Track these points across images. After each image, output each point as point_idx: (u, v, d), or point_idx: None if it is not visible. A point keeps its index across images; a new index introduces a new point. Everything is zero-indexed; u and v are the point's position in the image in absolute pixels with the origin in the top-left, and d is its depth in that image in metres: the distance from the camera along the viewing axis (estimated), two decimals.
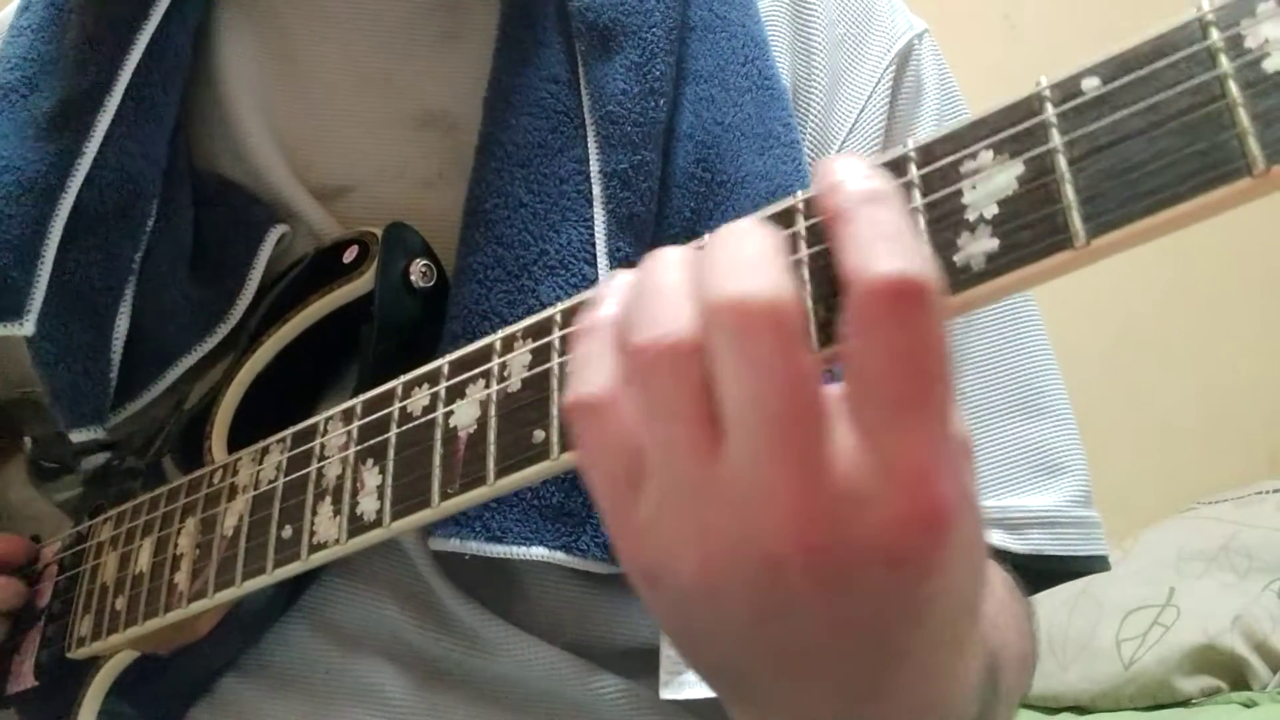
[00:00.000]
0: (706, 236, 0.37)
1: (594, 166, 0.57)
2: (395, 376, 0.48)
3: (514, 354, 0.43)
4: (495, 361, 0.43)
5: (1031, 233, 0.32)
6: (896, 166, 0.36)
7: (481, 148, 0.58)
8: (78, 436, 0.60)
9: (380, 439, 0.47)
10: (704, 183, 0.59)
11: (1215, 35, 0.30)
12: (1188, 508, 1.78)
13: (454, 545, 0.53)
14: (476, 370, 0.44)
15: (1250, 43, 0.29)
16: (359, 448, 0.48)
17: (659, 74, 0.59)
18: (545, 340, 0.42)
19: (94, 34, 0.61)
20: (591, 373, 0.36)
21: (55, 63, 0.62)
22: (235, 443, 0.58)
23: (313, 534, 0.48)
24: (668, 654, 0.55)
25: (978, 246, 0.33)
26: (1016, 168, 0.33)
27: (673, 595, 0.36)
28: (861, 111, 0.65)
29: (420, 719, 0.57)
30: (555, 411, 0.40)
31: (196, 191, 0.62)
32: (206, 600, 0.52)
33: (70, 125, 0.60)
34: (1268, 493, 1.71)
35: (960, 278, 0.33)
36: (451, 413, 0.44)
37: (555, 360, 0.41)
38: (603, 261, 0.55)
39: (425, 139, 0.62)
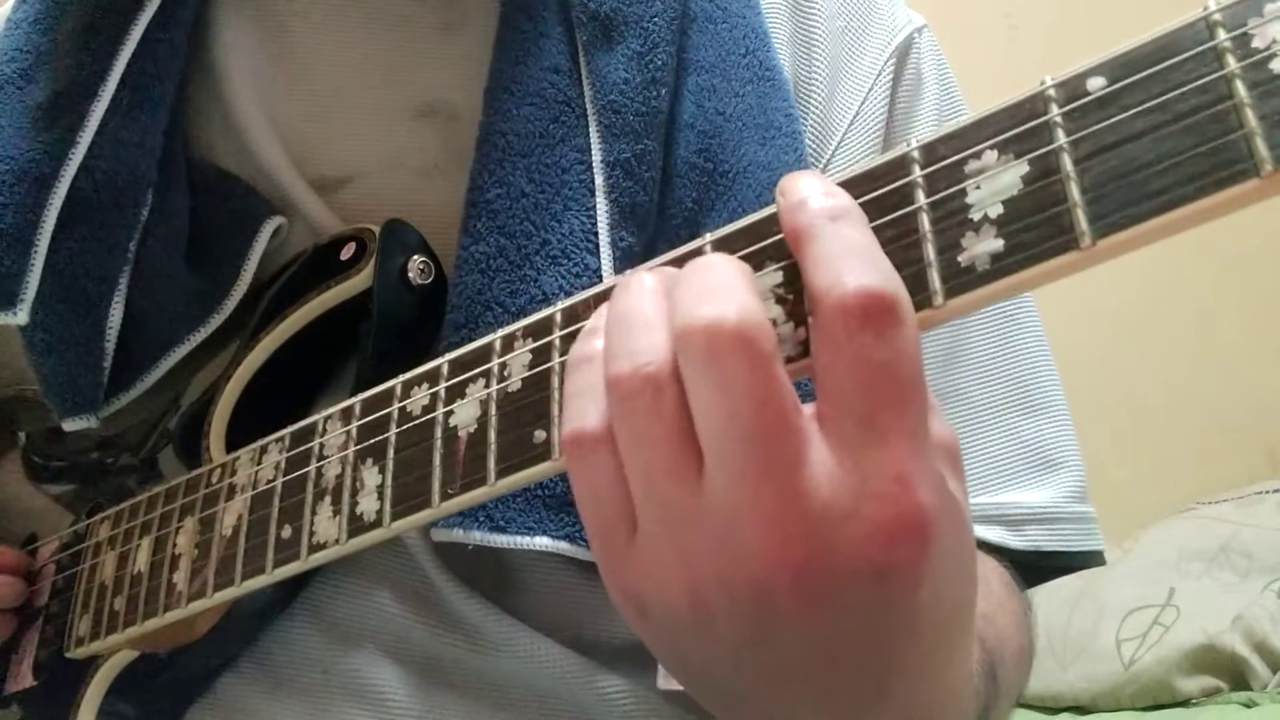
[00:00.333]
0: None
1: (596, 156, 0.57)
2: (394, 373, 0.48)
3: (514, 353, 0.43)
4: (495, 361, 0.43)
5: (1037, 233, 0.31)
6: (899, 165, 0.35)
7: (482, 138, 0.58)
8: (71, 426, 0.60)
9: (380, 438, 0.47)
10: (706, 173, 0.59)
11: (1222, 35, 0.30)
12: (1188, 508, 1.77)
13: (457, 536, 0.53)
14: (476, 370, 0.44)
15: (1258, 42, 0.29)
16: (358, 447, 0.48)
17: (660, 64, 0.59)
18: (546, 340, 0.42)
19: (89, 25, 0.61)
20: (584, 405, 0.36)
21: (50, 54, 0.62)
22: (234, 441, 0.57)
23: (312, 534, 0.48)
24: None
25: (982, 247, 0.33)
26: (1021, 167, 0.32)
27: (663, 625, 0.37)
28: (862, 104, 0.65)
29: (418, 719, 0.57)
30: (556, 411, 0.40)
31: (193, 182, 0.62)
32: (205, 600, 0.52)
33: (65, 115, 0.60)
34: (1268, 493, 1.71)
35: (965, 278, 0.33)
36: (451, 412, 0.44)
37: (556, 360, 0.41)
38: (605, 251, 0.55)
39: (424, 129, 0.62)
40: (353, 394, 0.53)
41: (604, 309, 0.38)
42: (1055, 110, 0.32)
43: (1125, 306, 1.91)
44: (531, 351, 0.42)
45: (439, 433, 0.44)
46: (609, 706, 0.57)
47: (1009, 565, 0.62)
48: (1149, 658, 1.48)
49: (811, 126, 0.65)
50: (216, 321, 0.60)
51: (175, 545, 0.55)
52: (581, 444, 0.36)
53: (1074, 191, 0.31)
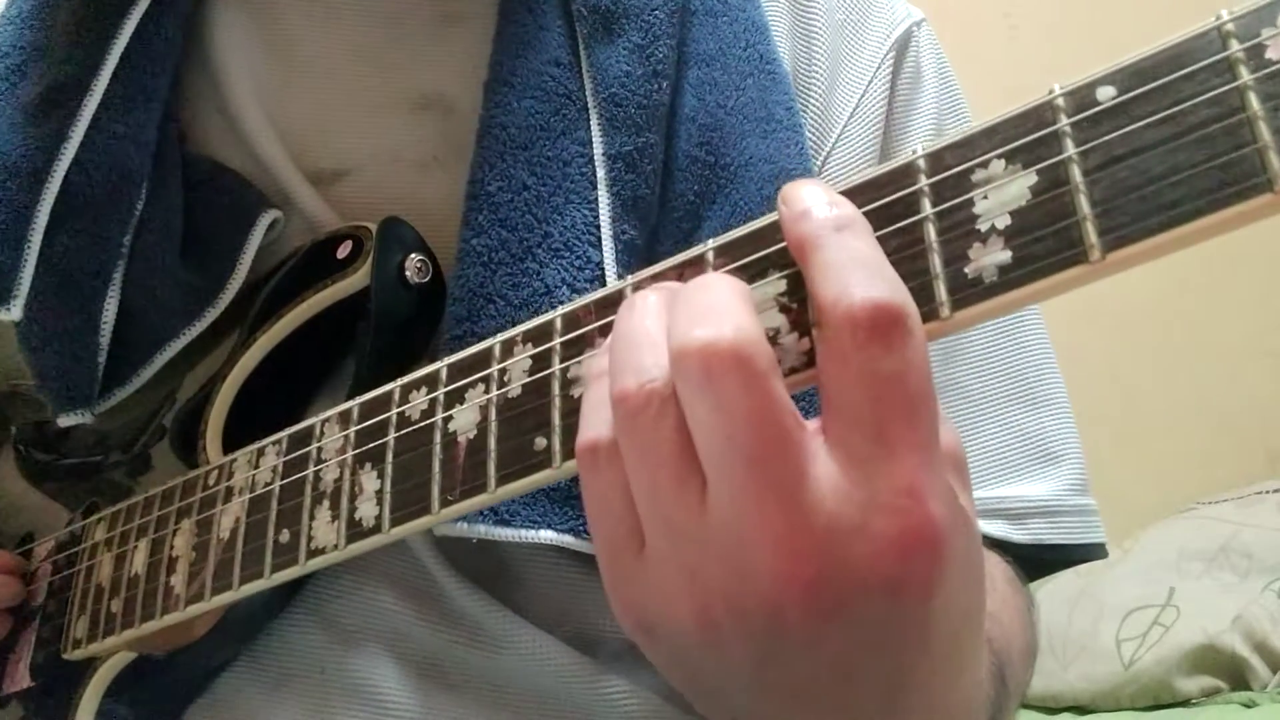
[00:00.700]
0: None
1: (597, 149, 0.57)
2: (392, 371, 0.48)
3: (514, 359, 0.42)
4: (495, 367, 0.43)
5: (1045, 245, 0.31)
6: (905, 174, 0.35)
7: (483, 131, 0.58)
8: (66, 421, 0.60)
9: (378, 443, 0.46)
10: (707, 166, 0.59)
11: (1235, 45, 0.29)
12: (1188, 508, 1.77)
13: (461, 530, 0.53)
14: (475, 375, 0.43)
15: (1272, 54, 0.29)
16: (356, 451, 0.47)
17: (661, 57, 0.59)
18: (546, 346, 0.41)
19: (82, 19, 0.61)
20: (601, 417, 0.36)
21: (44, 49, 0.62)
22: (231, 440, 0.57)
23: (311, 538, 0.48)
24: None
25: (990, 258, 0.32)
26: (1029, 178, 0.32)
27: (671, 646, 0.36)
28: (862, 96, 0.66)
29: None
30: (557, 418, 0.40)
31: (188, 175, 0.62)
32: (203, 604, 0.52)
33: (57, 110, 0.59)
34: (1268, 493, 1.71)
35: (972, 290, 0.32)
36: (451, 417, 0.44)
37: (556, 366, 0.41)
38: (608, 244, 0.55)
39: (421, 122, 0.62)
40: (351, 393, 0.53)
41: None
42: (1064, 120, 0.32)
43: (1125, 306, 1.91)
44: (532, 357, 0.42)
45: (438, 438, 0.44)
46: (610, 707, 0.57)
47: (1011, 560, 0.62)
48: (1149, 658, 1.48)
49: (811, 119, 0.65)
50: (212, 316, 0.60)
51: (173, 547, 0.55)
52: (595, 454, 0.36)
53: (1083, 204, 0.30)
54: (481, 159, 0.57)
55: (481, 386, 0.43)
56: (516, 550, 0.56)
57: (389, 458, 0.46)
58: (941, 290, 0.33)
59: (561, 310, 0.42)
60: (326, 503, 0.48)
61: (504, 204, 0.56)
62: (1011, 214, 0.32)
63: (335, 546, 0.47)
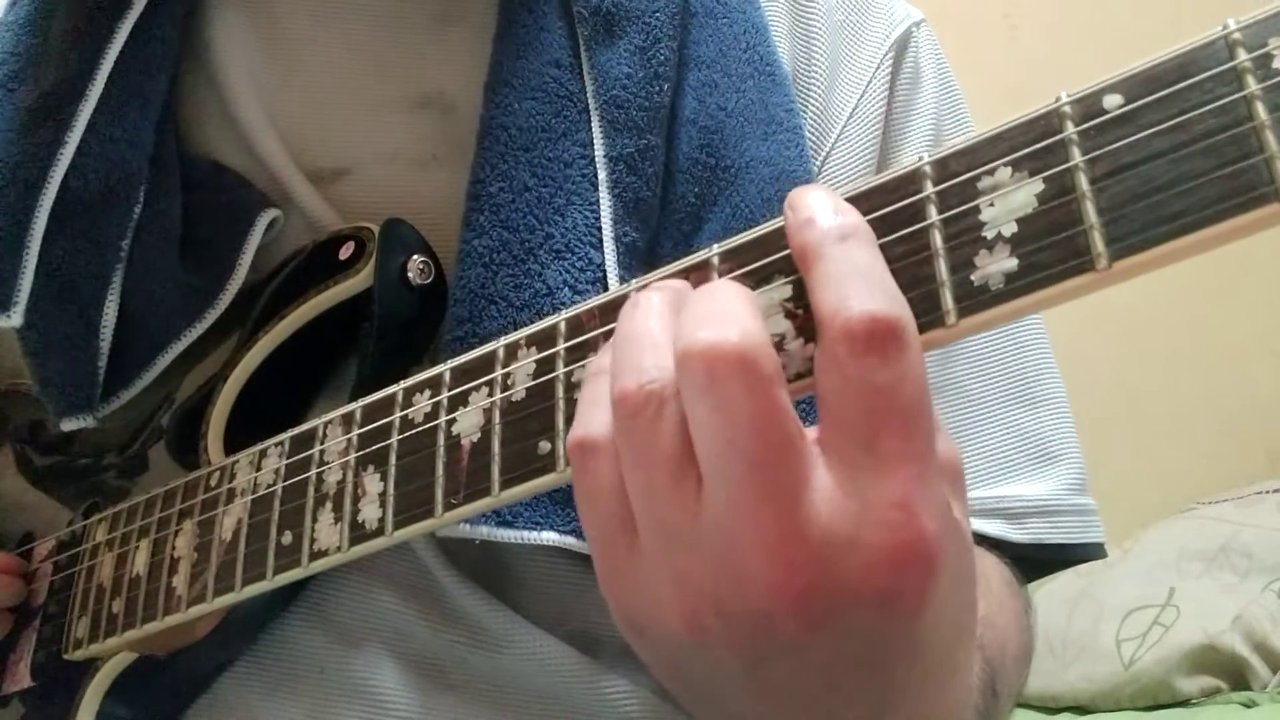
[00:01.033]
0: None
1: (599, 151, 0.57)
2: (394, 373, 0.48)
3: (518, 363, 0.42)
4: (499, 370, 0.43)
5: (1052, 254, 0.31)
6: (911, 180, 0.35)
7: (483, 132, 0.58)
8: (68, 425, 0.60)
9: (381, 445, 0.46)
10: (708, 168, 0.59)
11: (1242, 55, 0.29)
12: (1188, 508, 1.77)
13: (463, 531, 0.53)
14: (479, 379, 0.43)
15: (1279, 63, 0.28)
16: (359, 453, 0.47)
17: (662, 59, 0.59)
18: (550, 351, 0.41)
19: (77, 24, 0.61)
20: (595, 414, 0.36)
21: (39, 55, 0.61)
22: (232, 441, 0.57)
23: (313, 540, 0.48)
24: None
25: (996, 266, 0.32)
26: (1036, 185, 0.32)
27: (660, 645, 0.36)
28: (861, 97, 0.66)
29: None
30: (561, 422, 0.40)
31: (187, 176, 0.61)
32: (206, 605, 0.52)
33: (53, 115, 0.59)
34: (1268, 493, 1.71)
35: (978, 298, 0.32)
36: (454, 420, 0.44)
37: (560, 370, 0.41)
38: (609, 246, 0.55)
39: (421, 121, 0.62)
40: (353, 394, 0.53)
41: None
42: (1071, 127, 0.32)
43: (1126, 306, 1.91)
44: (536, 361, 0.42)
45: (441, 440, 0.44)
46: (610, 708, 0.57)
47: (1009, 562, 0.62)
48: (1149, 658, 1.48)
49: (811, 120, 0.65)
50: (213, 316, 0.59)
51: (174, 548, 0.54)
52: (585, 451, 0.36)
53: (1090, 212, 0.30)
54: (483, 160, 0.57)
55: (485, 390, 0.43)
56: (518, 551, 0.57)
57: (392, 460, 0.46)
58: (948, 298, 0.33)
59: (565, 314, 0.42)
60: (329, 505, 0.48)
61: (505, 205, 0.56)
62: (1018, 221, 0.32)
63: (338, 548, 0.47)
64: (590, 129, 0.58)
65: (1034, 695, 1.58)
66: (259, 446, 0.53)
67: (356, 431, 0.48)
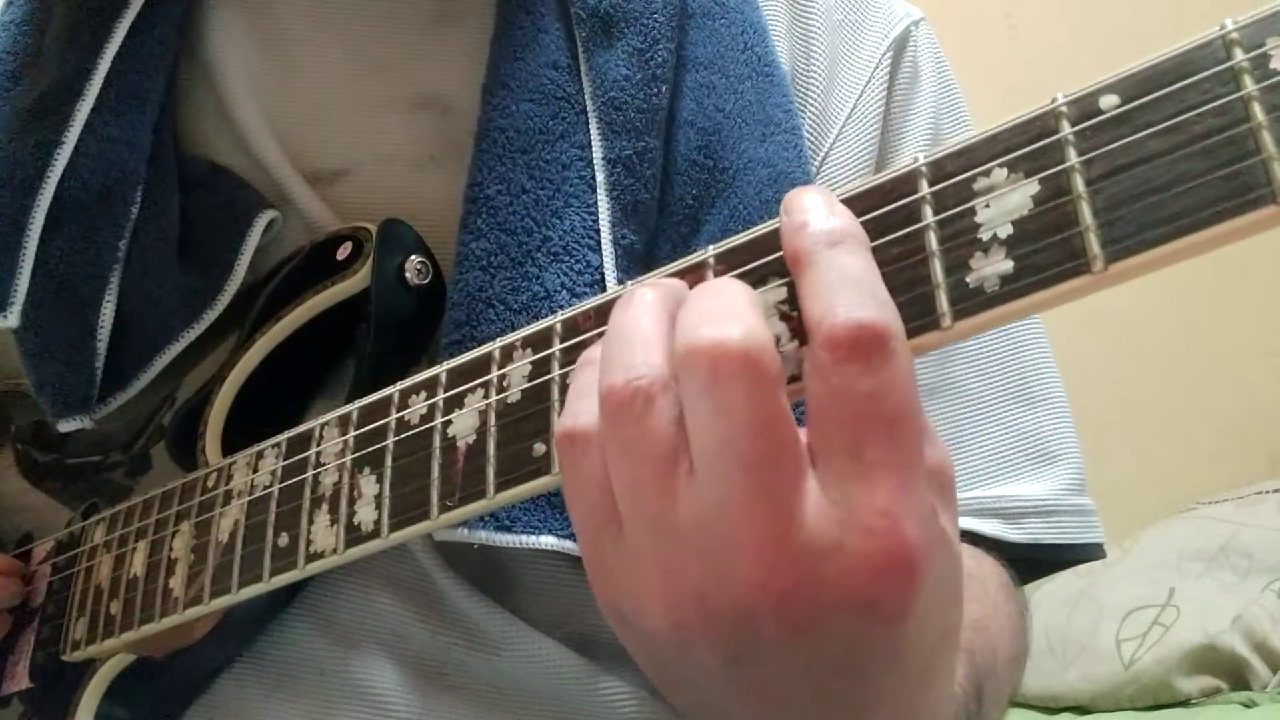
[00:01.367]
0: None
1: (596, 153, 0.57)
2: (392, 373, 0.48)
3: (514, 365, 0.42)
4: (494, 372, 0.43)
5: (1047, 256, 0.31)
6: (906, 181, 0.35)
7: (481, 134, 0.58)
8: (65, 427, 0.59)
9: (377, 447, 0.46)
10: (706, 170, 0.59)
11: (1239, 55, 0.29)
12: (1188, 508, 1.77)
13: (462, 536, 0.53)
14: (475, 380, 0.43)
15: (1276, 64, 0.28)
16: (355, 455, 0.47)
17: (660, 60, 0.59)
18: (546, 352, 0.41)
19: (75, 24, 0.61)
20: (583, 405, 0.36)
21: (35, 55, 0.61)
22: (230, 442, 0.57)
23: (310, 542, 0.48)
24: None
25: (992, 268, 0.32)
26: (1031, 186, 0.32)
27: (642, 638, 0.37)
28: (860, 96, 0.65)
29: None
30: (556, 424, 0.40)
31: (185, 177, 0.61)
32: (202, 607, 0.52)
33: (50, 115, 0.59)
34: (1268, 493, 1.71)
35: (974, 300, 0.32)
36: (450, 422, 0.44)
37: (556, 372, 0.41)
38: (608, 249, 0.55)
39: (418, 122, 0.62)
40: (350, 394, 0.52)
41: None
42: (1067, 128, 0.32)
43: (1126, 306, 1.91)
44: (531, 363, 0.42)
45: (437, 442, 0.44)
46: (608, 709, 0.57)
47: (1006, 563, 0.62)
48: (1149, 658, 1.48)
49: (809, 120, 0.65)
50: (210, 317, 0.59)
51: (171, 549, 0.54)
52: (574, 441, 0.36)
53: (1086, 213, 0.30)
54: (480, 162, 0.57)
55: (481, 392, 0.43)
56: (516, 554, 0.56)
57: (388, 462, 0.46)
58: (943, 300, 0.33)
59: (561, 316, 0.42)
60: (325, 506, 0.47)
61: (503, 208, 0.56)
62: (1014, 223, 0.32)
63: (334, 550, 0.47)
64: (588, 131, 0.57)
65: (1034, 695, 1.58)
66: (256, 448, 0.53)
67: (353, 433, 0.48)
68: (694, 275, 0.39)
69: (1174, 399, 1.99)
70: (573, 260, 0.55)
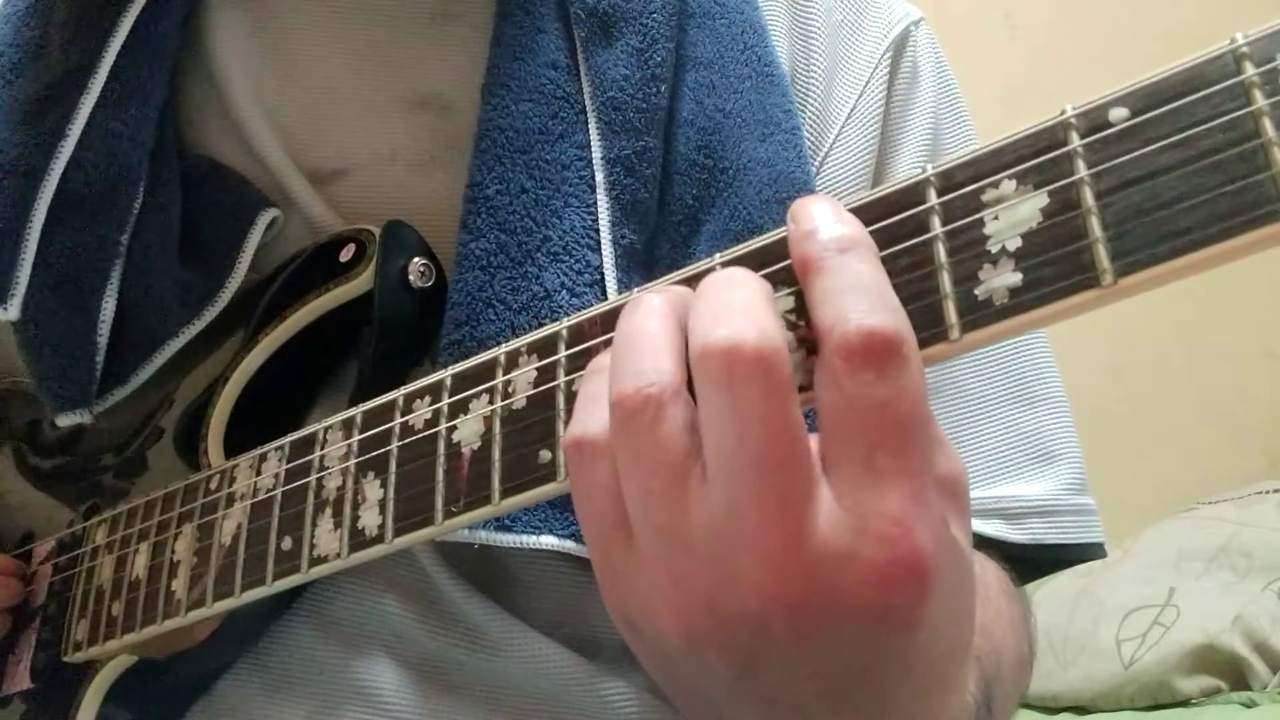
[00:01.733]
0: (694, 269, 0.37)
1: (596, 153, 0.57)
2: (395, 375, 0.48)
3: (519, 371, 0.42)
4: (500, 378, 0.43)
5: (1056, 269, 0.31)
6: (914, 191, 0.35)
7: (480, 134, 0.58)
8: (64, 421, 0.59)
9: (381, 451, 0.46)
10: (706, 170, 0.58)
11: (1250, 69, 0.29)
12: (1188, 508, 1.77)
13: (462, 535, 0.52)
14: (480, 386, 0.43)
15: None
16: (359, 459, 0.47)
17: (660, 60, 0.59)
18: (551, 359, 0.41)
19: (79, 17, 0.61)
20: (592, 413, 0.36)
21: (40, 47, 0.61)
22: (233, 442, 0.57)
23: (313, 546, 0.48)
24: None
25: (1000, 280, 0.32)
26: (1040, 199, 0.32)
27: (653, 646, 0.36)
28: (860, 96, 0.65)
29: None
30: (562, 431, 0.40)
31: (186, 174, 0.61)
32: (205, 609, 0.52)
33: (53, 108, 0.59)
34: (1268, 493, 1.71)
35: (982, 312, 0.32)
36: (454, 427, 0.43)
37: (562, 378, 0.41)
38: (607, 249, 0.55)
39: (418, 121, 0.62)
40: (353, 396, 0.52)
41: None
42: (1076, 140, 0.31)
43: (1125, 306, 1.90)
44: (537, 369, 0.42)
45: (441, 448, 0.44)
46: (609, 710, 0.57)
47: (1008, 565, 0.62)
48: (1149, 658, 1.48)
49: (809, 120, 0.64)
50: (211, 315, 0.59)
51: (174, 551, 0.54)
52: (582, 449, 0.36)
53: (1095, 227, 0.30)
54: (480, 162, 0.57)
55: (486, 398, 0.43)
56: (517, 554, 0.56)
57: (392, 467, 0.45)
58: (951, 311, 0.33)
59: (567, 322, 0.42)
60: (329, 510, 0.47)
61: (502, 208, 0.56)
62: (1023, 236, 0.32)
63: (338, 555, 0.47)
64: (587, 131, 0.57)
65: (1034, 695, 1.58)
66: (259, 450, 0.53)
67: (357, 437, 0.48)
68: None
69: (1174, 399, 1.99)
70: (572, 260, 0.55)
